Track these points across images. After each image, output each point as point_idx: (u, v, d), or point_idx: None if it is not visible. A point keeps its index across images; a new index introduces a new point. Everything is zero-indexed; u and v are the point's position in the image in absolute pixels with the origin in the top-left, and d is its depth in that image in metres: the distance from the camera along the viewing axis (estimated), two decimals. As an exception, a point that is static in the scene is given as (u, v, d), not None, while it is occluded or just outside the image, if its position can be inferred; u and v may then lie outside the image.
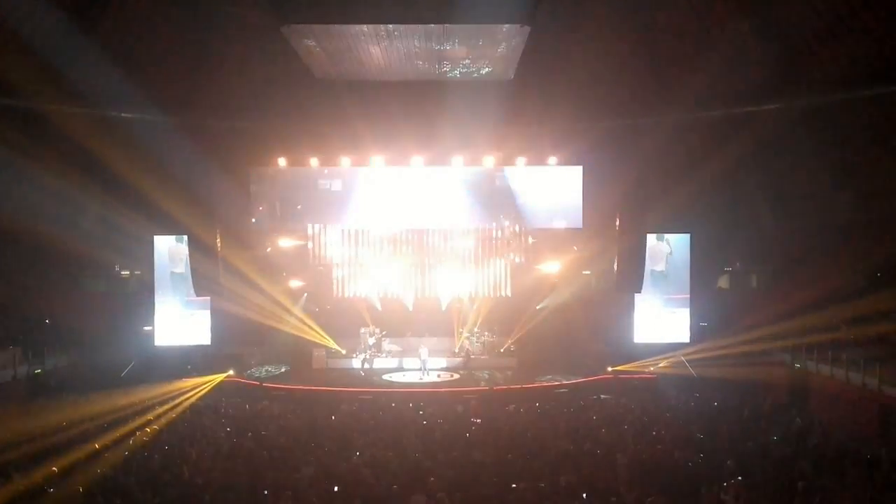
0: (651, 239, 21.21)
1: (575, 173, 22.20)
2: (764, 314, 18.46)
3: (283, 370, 22.25)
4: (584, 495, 8.84)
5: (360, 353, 22.54)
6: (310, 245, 23.31)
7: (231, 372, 20.43)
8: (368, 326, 23.18)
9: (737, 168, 18.97)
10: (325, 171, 22.40)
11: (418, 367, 21.53)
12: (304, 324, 22.90)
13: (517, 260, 23.61)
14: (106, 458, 11.04)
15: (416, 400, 16.88)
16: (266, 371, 22.08)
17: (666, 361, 20.61)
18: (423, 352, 21.65)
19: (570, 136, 20.84)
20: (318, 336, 22.95)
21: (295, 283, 23.46)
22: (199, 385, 18.98)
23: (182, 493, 9.35)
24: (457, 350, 22.97)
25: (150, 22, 16.77)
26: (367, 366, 22.10)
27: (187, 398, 17.39)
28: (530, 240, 23.47)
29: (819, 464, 10.57)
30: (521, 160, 22.09)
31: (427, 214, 22.85)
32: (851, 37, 14.17)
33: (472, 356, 22.61)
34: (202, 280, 20.49)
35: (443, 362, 22.53)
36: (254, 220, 22.47)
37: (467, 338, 23.26)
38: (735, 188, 20.57)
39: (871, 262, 18.04)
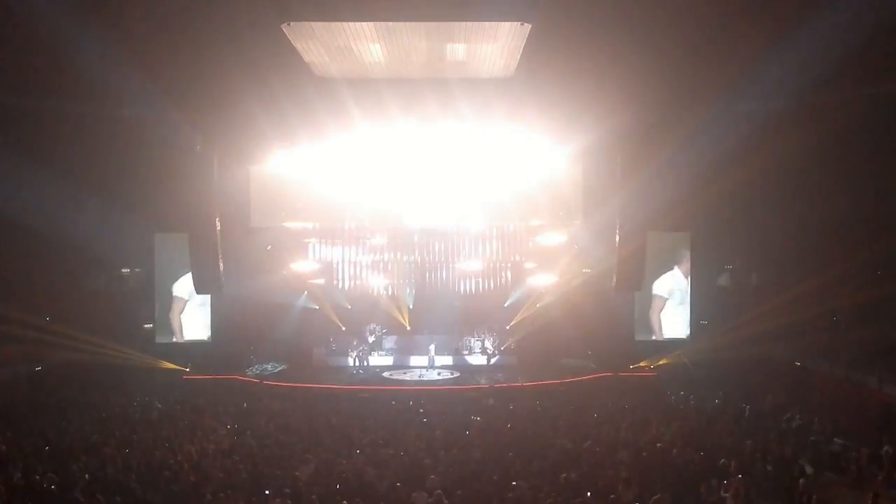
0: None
1: (576, 171, 22.18)
2: (764, 312, 18.47)
3: (282, 368, 22.26)
4: (585, 493, 8.85)
5: (353, 350, 22.62)
6: (310, 243, 23.30)
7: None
8: (370, 324, 23.22)
9: (737, 166, 18.94)
10: (325, 169, 22.35)
11: (425, 364, 21.74)
12: (305, 322, 22.92)
13: (518, 258, 23.61)
14: (106, 456, 11.04)
15: (417, 398, 16.89)
16: (266, 369, 22.08)
17: (666, 360, 20.68)
18: (432, 348, 21.88)
19: (572, 134, 20.78)
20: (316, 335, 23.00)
21: (295, 281, 23.46)
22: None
23: (182, 491, 9.35)
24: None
25: (150, 19, 16.73)
26: (358, 363, 22.21)
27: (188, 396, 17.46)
28: (531, 237, 23.46)
29: (819, 462, 10.59)
30: (521, 158, 22.02)
31: (427, 212, 22.84)
32: (851, 37, 14.17)
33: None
34: (202, 278, 20.48)
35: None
36: (254, 217, 22.45)
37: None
38: (735, 186, 20.55)
39: (870, 260, 18.01)
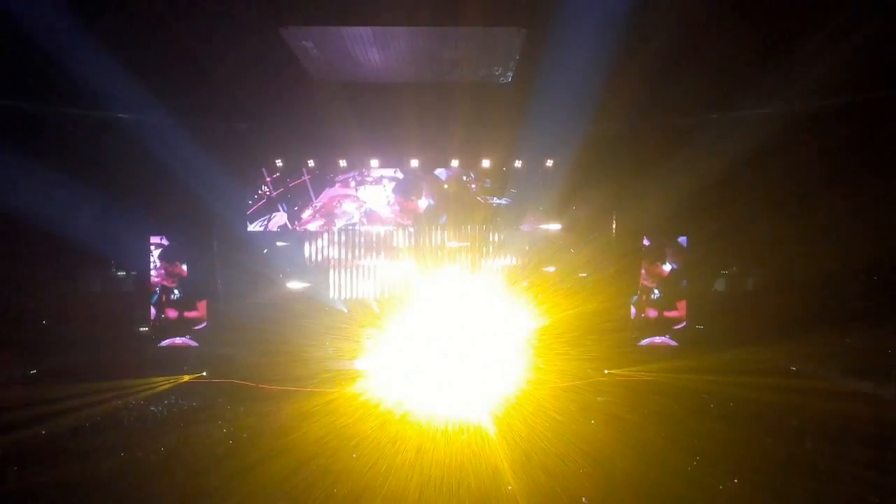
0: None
1: (573, 176, 22.20)
2: (760, 317, 18.50)
3: (278, 370, 22.15)
4: (580, 499, 8.84)
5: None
6: (307, 246, 23.27)
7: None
8: (366, 328, 23.13)
9: (733, 171, 19.00)
10: (322, 173, 22.38)
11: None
12: (302, 326, 22.85)
13: (513, 262, 23.58)
14: (100, 461, 11.00)
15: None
16: (261, 371, 21.97)
17: (663, 364, 20.66)
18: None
19: (568, 139, 20.84)
20: (315, 339, 22.90)
21: (292, 285, 23.39)
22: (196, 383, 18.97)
23: (177, 495, 9.32)
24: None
25: (147, 23, 16.73)
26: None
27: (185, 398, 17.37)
28: (526, 243, 23.44)
29: (816, 468, 10.59)
30: (518, 162, 22.06)
31: (422, 217, 22.84)
32: (847, 42, 14.23)
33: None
34: (198, 280, 20.45)
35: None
36: (250, 220, 22.41)
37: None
38: (731, 191, 20.61)
39: (868, 266, 18.07)
